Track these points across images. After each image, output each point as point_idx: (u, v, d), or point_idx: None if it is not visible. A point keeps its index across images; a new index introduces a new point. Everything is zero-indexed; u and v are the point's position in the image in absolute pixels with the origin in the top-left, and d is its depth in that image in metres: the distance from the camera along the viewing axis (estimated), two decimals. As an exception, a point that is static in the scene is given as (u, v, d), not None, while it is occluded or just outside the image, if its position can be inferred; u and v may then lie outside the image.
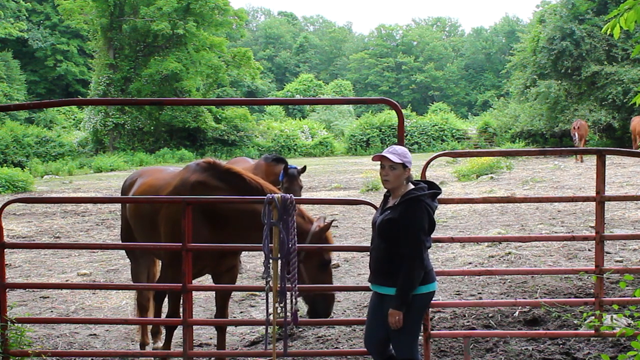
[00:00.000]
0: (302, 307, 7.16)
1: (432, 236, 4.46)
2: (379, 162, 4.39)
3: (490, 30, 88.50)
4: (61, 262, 10.71)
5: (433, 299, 4.52)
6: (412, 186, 4.36)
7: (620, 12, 4.31)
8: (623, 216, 12.22)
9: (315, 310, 5.30)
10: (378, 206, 4.67)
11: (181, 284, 5.09)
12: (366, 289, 5.74)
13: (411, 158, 4.37)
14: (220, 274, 5.70)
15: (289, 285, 4.76)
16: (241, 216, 5.27)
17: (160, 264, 6.28)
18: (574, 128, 24.82)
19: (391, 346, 4.50)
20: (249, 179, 5.36)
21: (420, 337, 4.59)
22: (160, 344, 6.18)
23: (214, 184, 5.35)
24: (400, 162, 4.27)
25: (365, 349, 4.74)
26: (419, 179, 4.73)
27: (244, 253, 10.23)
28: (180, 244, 5.04)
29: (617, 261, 8.75)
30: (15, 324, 5.24)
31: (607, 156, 5.77)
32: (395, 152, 4.31)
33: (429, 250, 4.37)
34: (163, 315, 6.26)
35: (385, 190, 4.53)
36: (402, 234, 4.20)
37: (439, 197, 4.49)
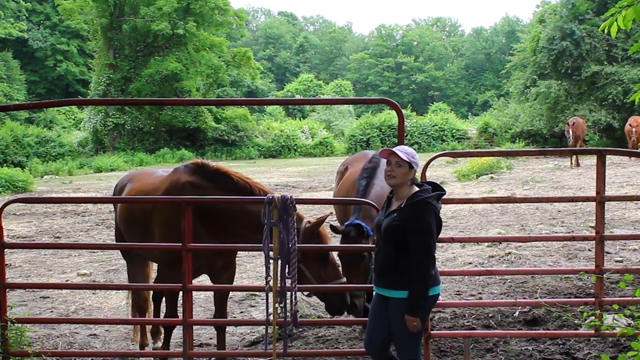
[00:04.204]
0: (302, 307, 7.16)
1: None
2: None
3: (490, 30, 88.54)
4: (61, 262, 10.71)
5: (433, 299, 4.51)
6: (416, 188, 4.33)
7: (618, 9, 4.27)
8: (623, 216, 12.22)
9: (331, 304, 5.28)
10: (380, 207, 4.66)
11: (181, 284, 5.09)
12: (367, 289, 5.75)
13: (418, 160, 4.35)
14: (217, 272, 5.68)
15: (289, 285, 4.75)
16: (235, 216, 5.29)
17: (156, 266, 6.27)
18: (568, 125, 23.08)
19: (392, 348, 4.49)
20: (237, 178, 5.38)
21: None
22: (159, 344, 6.18)
23: (203, 185, 5.37)
24: (407, 160, 4.26)
25: (364, 350, 4.73)
26: (420, 179, 4.72)
27: (244, 253, 10.24)
28: (177, 244, 5.05)
29: (617, 261, 8.75)
30: (15, 324, 5.25)
31: (607, 156, 5.77)
32: (404, 151, 4.31)
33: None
34: (161, 315, 6.26)
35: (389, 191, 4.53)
36: (411, 238, 4.17)
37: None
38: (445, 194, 4.40)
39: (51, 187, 23.25)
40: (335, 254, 5.53)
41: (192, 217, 5.12)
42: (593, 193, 5.25)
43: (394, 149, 4.33)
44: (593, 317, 5.09)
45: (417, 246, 4.15)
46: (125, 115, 38.13)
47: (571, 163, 23.09)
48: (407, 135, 39.30)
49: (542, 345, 5.89)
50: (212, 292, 7.57)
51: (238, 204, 5.27)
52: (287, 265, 4.75)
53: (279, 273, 4.78)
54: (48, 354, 5.26)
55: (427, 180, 4.63)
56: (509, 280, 8.18)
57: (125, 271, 9.24)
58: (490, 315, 6.75)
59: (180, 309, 5.54)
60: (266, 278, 4.78)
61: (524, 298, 7.30)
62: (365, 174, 6.30)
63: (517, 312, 6.72)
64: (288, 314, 4.82)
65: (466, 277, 8.39)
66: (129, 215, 5.96)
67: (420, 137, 40.25)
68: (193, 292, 5.39)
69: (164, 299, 6.18)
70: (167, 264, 5.57)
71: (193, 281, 5.35)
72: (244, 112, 41.45)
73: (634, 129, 22.63)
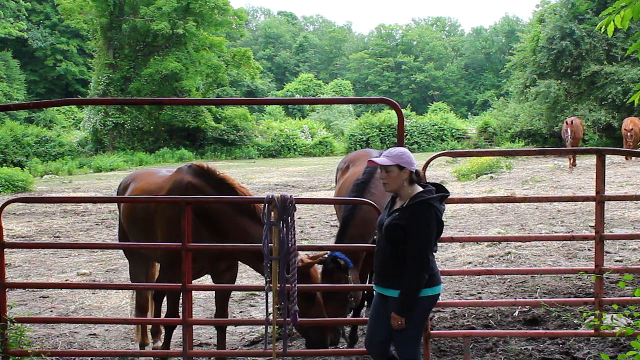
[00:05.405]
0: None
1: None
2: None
3: (490, 30, 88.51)
4: (61, 262, 10.71)
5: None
6: (420, 188, 4.30)
7: (616, 9, 4.24)
8: (623, 216, 12.22)
9: (311, 342, 5.26)
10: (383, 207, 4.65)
11: (181, 284, 5.09)
12: (367, 289, 5.75)
13: (409, 159, 4.28)
14: (220, 273, 5.72)
15: (289, 286, 4.75)
16: (237, 234, 5.29)
17: (159, 265, 6.29)
18: (567, 124, 22.02)
19: (392, 347, 4.49)
20: (242, 193, 5.41)
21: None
22: (160, 343, 6.18)
23: (207, 191, 5.38)
24: (393, 164, 4.23)
25: (365, 349, 4.74)
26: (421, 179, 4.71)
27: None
28: (178, 244, 5.06)
29: (617, 261, 8.75)
30: (15, 324, 5.24)
31: (607, 156, 5.77)
32: (388, 155, 4.29)
33: (435, 253, 4.35)
34: (163, 315, 6.27)
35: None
36: (410, 238, 4.16)
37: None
38: (449, 196, 4.37)
39: (51, 187, 23.25)
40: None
41: (195, 222, 5.14)
42: (593, 193, 5.25)
43: (374, 159, 4.34)
44: (593, 317, 5.09)
45: (413, 247, 4.15)
46: (125, 115, 38.14)
47: (571, 164, 22.16)
48: (407, 135, 39.29)
49: (542, 345, 5.90)
50: (212, 292, 7.59)
51: (240, 224, 5.29)
52: (287, 265, 4.75)
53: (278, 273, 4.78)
54: (48, 354, 5.25)
55: (427, 180, 4.62)
56: (509, 280, 8.18)
57: (125, 271, 9.27)
58: (490, 315, 6.75)
59: (180, 309, 5.55)
60: (266, 278, 4.78)
61: (524, 298, 7.30)
62: (353, 193, 5.87)
63: (517, 312, 6.72)
64: (288, 313, 4.82)
65: (466, 277, 8.39)
66: (132, 214, 5.98)
67: (420, 137, 40.25)
68: (193, 292, 5.40)
69: (165, 298, 6.19)
70: (168, 263, 5.59)
71: (195, 281, 5.35)
72: (244, 112, 41.46)
73: (629, 134, 22.52)
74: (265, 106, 54.90)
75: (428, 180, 4.57)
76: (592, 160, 22.92)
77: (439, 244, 4.47)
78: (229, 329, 6.68)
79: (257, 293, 8.23)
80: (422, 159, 5.38)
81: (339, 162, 7.92)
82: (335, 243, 5.82)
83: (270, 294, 4.78)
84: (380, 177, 4.34)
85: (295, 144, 40.85)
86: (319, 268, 5.51)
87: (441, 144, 39.64)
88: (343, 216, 5.90)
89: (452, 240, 5.70)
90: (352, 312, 6.01)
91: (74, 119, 49.11)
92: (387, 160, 4.25)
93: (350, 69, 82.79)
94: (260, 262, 4.99)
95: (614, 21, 4.19)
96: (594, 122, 30.43)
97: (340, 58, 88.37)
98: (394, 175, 4.25)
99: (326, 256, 5.53)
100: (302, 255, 5.29)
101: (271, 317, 4.78)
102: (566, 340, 5.92)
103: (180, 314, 5.41)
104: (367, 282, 6.23)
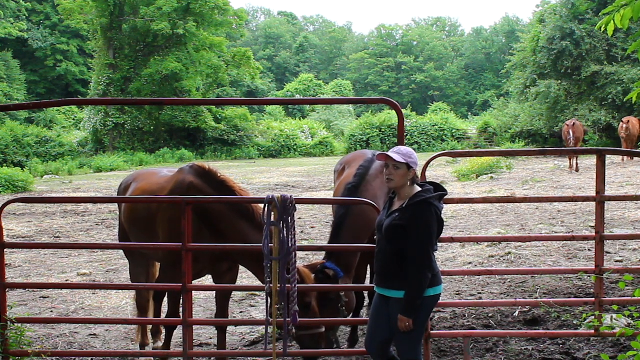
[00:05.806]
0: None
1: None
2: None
3: (490, 30, 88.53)
4: (61, 262, 10.70)
5: (434, 299, 4.50)
6: (418, 188, 4.31)
7: (616, 8, 4.24)
8: (623, 216, 12.22)
9: (305, 349, 5.25)
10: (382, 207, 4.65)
11: (181, 284, 5.09)
12: (367, 289, 5.75)
13: (417, 159, 4.32)
14: (221, 274, 5.73)
15: (289, 286, 4.75)
16: (236, 237, 5.29)
17: (159, 265, 6.29)
18: (567, 125, 21.16)
19: (392, 347, 4.49)
20: (241, 196, 5.40)
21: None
22: (160, 343, 6.18)
23: (208, 192, 5.39)
24: (404, 162, 4.24)
25: (365, 349, 4.74)
26: (420, 179, 4.72)
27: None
28: (179, 244, 5.06)
29: (617, 261, 8.75)
30: (15, 324, 5.24)
31: (607, 156, 5.77)
32: (399, 152, 4.29)
33: (435, 253, 4.36)
34: (163, 315, 6.27)
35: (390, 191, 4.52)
36: (411, 238, 4.17)
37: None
38: (447, 194, 4.39)
39: (51, 187, 23.24)
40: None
41: (197, 222, 5.14)
42: (593, 193, 5.26)
43: (389, 153, 4.31)
44: (593, 317, 5.09)
45: (414, 246, 4.15)
46: (125, 115, 38.14)
47: (570, 166, 21.35)
48: (407, 135, 39.29)
49: (542, 345, 5.90)
50: (212, 292, 7.59)
51: (239, 228, 5.30)
52: (287, 265, 4.74)
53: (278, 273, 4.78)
54: (48, 354, 5.25)
55: (427, 180, 4.63)
56: (509, 280, 8.18)
57: (125, 271, 9.27)
58: (490, 315, 6.76)
59: (180, 309, 5.55)
60: (266, 278, 4.78)
61: (524, 298, 7.30)
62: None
63: (517, 312, 6.73)
64: (288, 313, 4.82)
65: (466, 277, 8.40)
66: (133, 214, 5.98)
67: (420, 137, 40.26)
68: (193, 292, 5.40)
69: (165, 298, 6.18)
70: (170, 263, 5.59)
71: (195, 281, 5.35)
72: (244, 112, 41.48)
73: (625, 125, 22.53)
74: (265, 106, 54.91)
75: (428, 180, 4.58)
76: (592, 160, 22.92)
77: (439, 244, 4.47)
78: (229, 329, 6.68)
79: (257, 293, 8.22)
80: (422, 159, 5.38)
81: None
82: (327, 252, 5.76)
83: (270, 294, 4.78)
84: (386, 172, 4.31)
85: (295, 144, 40.85)
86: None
87: (441, 144, 39.64)
88: (333, 224, 5.87)
89: (452, 240, 5.70)
90: (351, 314, 6.02)
91: (74, 119, 49.12)
92: (400, 157, 4.25)
93: (350, 69, 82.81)
94: (259, 268, 4.98)
95: (613, 20, 4.19)
96: (594, 122, 30.42)
97: (340, 58, 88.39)
98: (401, 172, 4.26)
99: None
100: (298, 263, 5.28)
101: (271, 317, 4.78)
102: (566, 340, 5.92)
103: (181, 314, 5.41)
104: (367, 282, 6.23)
